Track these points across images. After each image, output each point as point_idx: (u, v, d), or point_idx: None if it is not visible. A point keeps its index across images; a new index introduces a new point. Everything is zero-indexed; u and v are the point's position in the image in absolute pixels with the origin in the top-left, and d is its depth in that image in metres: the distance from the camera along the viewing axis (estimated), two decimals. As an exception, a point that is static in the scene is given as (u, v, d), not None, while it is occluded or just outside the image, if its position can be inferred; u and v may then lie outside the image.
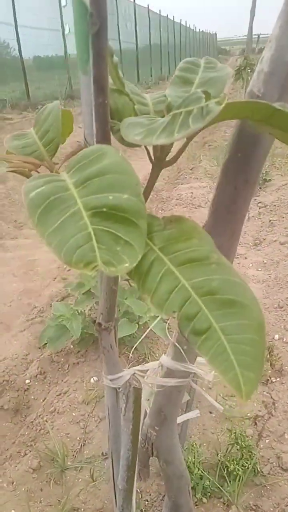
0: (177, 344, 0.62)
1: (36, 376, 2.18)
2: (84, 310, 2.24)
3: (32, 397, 2.08)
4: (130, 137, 0.37)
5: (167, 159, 0.46)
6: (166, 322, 2.35)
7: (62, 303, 2.22)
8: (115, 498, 0.59)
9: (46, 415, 1.87)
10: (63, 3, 12.88)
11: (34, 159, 0.47)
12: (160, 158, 0.45)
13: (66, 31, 13.37)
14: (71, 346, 2.29)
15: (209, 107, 0.33)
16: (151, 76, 19.14)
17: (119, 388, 0.51)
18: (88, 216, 0.33)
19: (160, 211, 4.08)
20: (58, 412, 1.87)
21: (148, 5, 18.75)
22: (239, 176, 0.52)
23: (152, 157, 0.47)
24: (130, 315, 2.07)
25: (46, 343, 2.34)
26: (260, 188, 4.46)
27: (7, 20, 10.79)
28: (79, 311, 2.15)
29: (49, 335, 2.09)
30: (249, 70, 4.91)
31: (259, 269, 2.96)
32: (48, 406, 1.93)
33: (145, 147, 0.45)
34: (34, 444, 1.74)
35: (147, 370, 0.60)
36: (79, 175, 0.36)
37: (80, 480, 1.58)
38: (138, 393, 0.51)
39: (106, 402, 0.55)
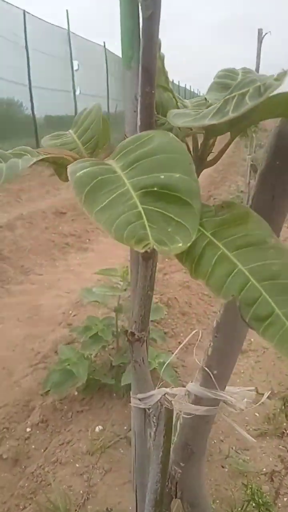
0: (206, 369, 0.58)
1: (38, 424, 2.07)
2: (91, 355, 2.17)
3: (33, 446, 1.97)
4: (180, 122, 0.36)
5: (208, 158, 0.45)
6: (176, 370, 2.26)
7: (69, 346, 2.16)
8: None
9: (48, 466, 1.75)
10: (75, 67, 13.67)
11: (74, 153, 0.45)
12: (202, 158, 0.44)
13: (77, 92, 14.07)
14: (75, 393, 2.20)
15: (268, 83, 0.31)
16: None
17: (149, 409, 0.47)
18: (137, 196, 0.31)
19: (166, 260, 4.08)
20: (60, 463, 1.75)
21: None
22: (277, 185, 0.50)
23: (192, 157, 0.45)
24: (138, 360, 2.00)
25: (49, 390, 2.26)
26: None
27: (22, 81, 11.39)
28: (86, 356, 2.08)
29: (54, 379, 2.01)
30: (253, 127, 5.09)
31: None
32: (50, 456, 1.81)
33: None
34: (35, 497, 1.62)
35: (175, 395, 0.55)
36: (125, 159, 0.35)
37: (83, 538, 1.46)
38: (170, 414, 0.46)
39: (133, 427, 0.50)
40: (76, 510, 1.56)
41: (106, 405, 2.06)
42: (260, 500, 1.49)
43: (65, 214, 5.89)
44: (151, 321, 2.62)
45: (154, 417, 0.46)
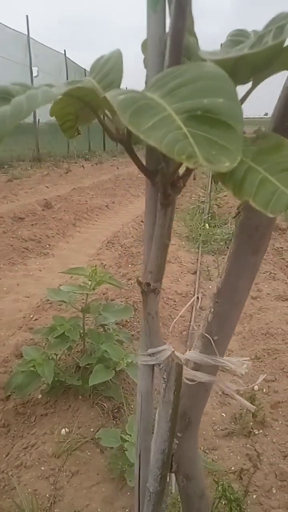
0: (207, 335, 0.56)
1: (-1, 429, 1.98)
2: (56, 356, 2.11)
3: (-6, 452, 1.87)
4: (214, 57, 0.34)
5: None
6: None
7: (33, 347, 2.08)
8: (139, 506, 0.50)
9: (11, 470, 1.67)
10: (34, 73, 13.54)
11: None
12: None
13: (37, 99, 13.92)
14: (39, 396, 2.12)
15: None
16: (117, 145, 20.01)
17: (159, 365, 0.45)
18: (181, 120, 0.30)
19: (130, 265, 4.06)
20: (25, 466, 1.67)
21: (115, 82, 19.98)
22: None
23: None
24: (107, 361, 1.96)
25: (10, 395, 2.16)
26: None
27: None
28: (51, 357, 2.02)
29: (17, 381, 1.93)
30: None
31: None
32: (13, 461, 1.73)
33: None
34: (-3, 504, 1.53)
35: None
36: (162, 89, 0.33)
37: None
38: (181, 370, 0.44)
39: (139, 387, 0.47)
40: (42, 514, 1.49)
41: (72, 407, 2.00)
42: (231, 496, 1.48)
43: (23, 219, 5.77)
44: (117, 324, 2.59)
45: (165, 372, 0.44)
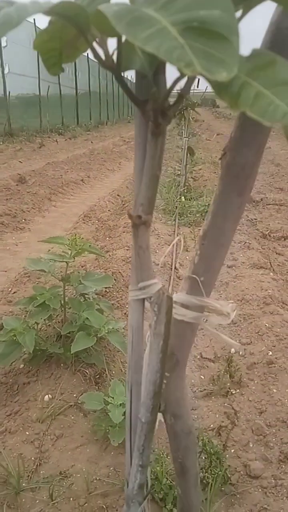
0: (194, 276, 0.59)
1: (-18, 398, 1.99)
2: (37, 325, 2.12)
3: (-22, 420, 1.89)
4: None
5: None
6: (124, 335, 2.28)
7: (14, 317, 2.08)
8: (130, 437, 0.53)
9: (-4, 436, 1.70)
10: (3, 43, 13.03)
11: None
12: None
13: (6, 71, 13.46)
14: (21, 366, 2.14)
15: None
16: (90, 119, 19.63)
17: (150, 299, 0.46)
18: (178, 31, 0.31)
19: (107, 238, 4.06)
20: (9, 432, 1.70)
21: (87, 54, 19.48)
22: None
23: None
24: (88, 329, 1.98)
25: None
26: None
27: None
28: (31, 326, 2.03)
29: (-1, 351, 1.93)
30: (190, 110, 5.19)
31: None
32: (-2, 427, 1.76)
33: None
34: (-16, 468, 1.56)
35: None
36: (155, 4, 0.33)
37: (37, 501, 1.43)
38: (171, 303, 0.46)
39: (130, 322, 0.49)
40: (29, 475, 1.53)
41: (54, 374, 2.03)
42: (211, 450, 1.55)
43: (-3, 194, 5.66)
44: (97, 294, 2.60)
45: (156, 305, 0.46)
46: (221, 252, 0.57)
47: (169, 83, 0.44)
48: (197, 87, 5.33)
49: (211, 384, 2.07)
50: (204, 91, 10.46)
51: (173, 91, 0.46)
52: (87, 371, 2.03)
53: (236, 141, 0.52)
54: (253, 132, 0.52)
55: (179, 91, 0.46)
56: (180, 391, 0.62)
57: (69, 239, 2.02)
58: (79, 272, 2.21)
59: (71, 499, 1.45)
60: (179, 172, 6.52)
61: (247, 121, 0.52)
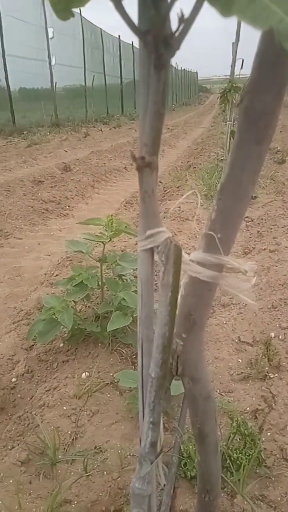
0: (211, 233, 0.57)
1: (23, 374, 2.07)
2: (75, 304, 2.16)
3: (19, 395, 1.97)
4: None
5: None
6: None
7: (53, 296, 2.13)
8: (143, 394, 0.52)
9: (35, 410, 1.75)
10: (50, 35, 13.24)
11: None
12: None
13: (53, 62, 13.69)
14: (61, 345, 2.20)
15: None
16: (135, 108, 19.61)
17: (157, 247, 0.45)
18: None
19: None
20: (47, 406, 1.75)
21: (132, 42, 19.43)
22: None
23: None
24: (124, 309, 2.00)
25: (34, 342, 2.24)
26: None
27: (-5, 49, 10.97)
28: (70, 305, 2.06)
29: (39, 328, 1.99)
30: (234, 93, 5.05)
31: (250, 275, 2.94)
32: (37, 402, 1.81)
33: None
34: (23, 439, 1.62)
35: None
36: None
37: (72, 473, 1.47)
38: (180, 252, 0.45)
39: (139, 274, 0.49)
40: (65, 448, 1.57)
41: (92, 353, 2.06)
42: (245, 431, 1.52)
43: (43, 182, 5.79)
44: (134, 277, 2.61)
45: (163, 255, 0.45)
46: (239, 207, 0.55)
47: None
48: (241, 68, 5.19)
49: (248, 368, 2.03)
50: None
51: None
52: (124, 351, 2.05)
53: (253, 83, 0.49)
54: (272, 73, 0.49)
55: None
56: (198, 353, 0.61)
57: (106, 220, 2.03)
58: (116, 253, 2.22)
59: (105, 472, 1.47)
60: (222, 158, 6.40)
61: (266, 59, 0.49)
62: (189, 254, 0.61)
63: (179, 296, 0.57)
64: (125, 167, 7.15)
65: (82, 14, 14.97)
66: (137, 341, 0.52)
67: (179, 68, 36.33)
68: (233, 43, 5.23)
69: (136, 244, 3.10)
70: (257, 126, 0.51)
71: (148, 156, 0.42)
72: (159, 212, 0.46)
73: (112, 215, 2.07)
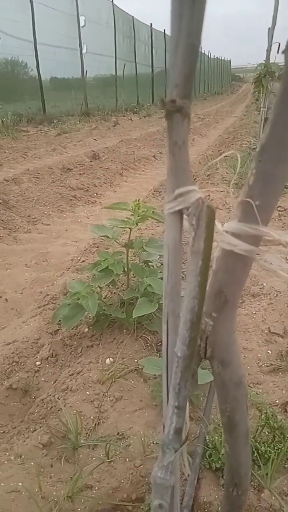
0: (248, 200, 0.51)
1: (48, 358, 2.05)
2: (101, 290, 2.12)
3: (43, 379, 1.95)
4: None
5: None
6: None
7: (78, 281, 2.10)
8: (167, 375, 0.47)
9: (58, 394, 1.74)
10: (81, 23, 13.20)
11: None
12: None
13: (84, 51, 13.65)
14: (85, 330, 2.17)
15: None
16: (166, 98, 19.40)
17: (187, 210, 0.40)
18: None
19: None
20: (71, 390, 1.73)
21: (164, 30, 19.17)
22: None
23: None
24: (150, 296, 1.95)
25: (59, 327, 2.23)
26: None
27: (26, 37, 11.02)
28: (95, 291, 2.03)
29: (64, 313, 1.97)
30: (269, 78, 4.88)
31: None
32: (60, 386, 1.79)
33: None
34: (45, 422, 1.60)
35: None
36: None
37: (94, 458, 1.44)
38: (213, 215, 0.39)
39: (166, 241, 0.43)
40: (87, 433, 1.55)
41: (116, 339, 2.03)
42: (275, 425, 1.46)
43: (71, 170, 5.78)
44: (161, 264, 2.55)
45: (194, 218, 0.39)
46: (282, 170, 0.48)
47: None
48: (278, 52, 5.00)
49: (278, 360, 1.95)
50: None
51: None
52: (149, 338, 2.01)
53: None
54: None
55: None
56: (229, 335, 0.55)
57: (132, 205, 1.98)
58: (142, 239, 2.17)
59: (127, 459, 1.44)
60: (254, 147, 6.23)
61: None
62: (222, 224, 0.55)
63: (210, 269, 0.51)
64: (154, 156, 7.07)
65: (114, 1, 14.84)
66: (162, 316, 0.46)
67: (212, 56, 35.68)
68: (269, 28, 5.06)
69: (164, 231, 3.06)
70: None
71: (179, 99, 0.36)
72: (190, 168, 0.40)
73: (138, 200, 2.01)
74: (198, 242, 0.39)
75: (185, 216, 0.42)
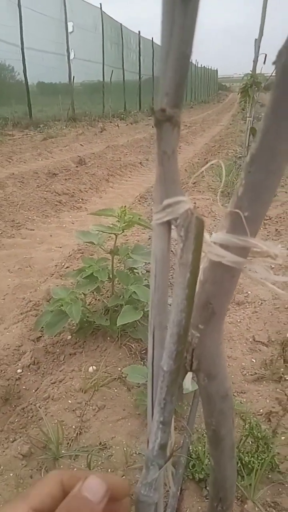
0: (237, 211, 0.49)
1: (29, 366, 2.01)
2: (85, 297, 2.10)
3: (24, 387, 1.91)
4: None
5: None
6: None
7: (62, 287, 2.07)
8: (152, 389, 0.46)
9: (39, 402, 1.70)
10: (70, 29, 13.22)
11: None
12: None
13: (72, 56, 13.66)
14: (68, 337, 2.14)
15: None
16: (153, 105, 19.51)
17: (175, 221, 0.39)
18: None
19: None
20: (52, 399, 1.70)
21: (152, 38, 19.31)
22: None
23: None
24: (135, 303, 1.93)
25: (41, 334, 2.19)
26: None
27: (14, 41, 10.98)
28: (79, 298, 2.01)
29: (46, 320, 1.93)
30: (255, 88, 4.94)
31: (266, 273, 2.85)
32: (41, 394, 1.76)
33: None
34: (26, 431, 1.56)
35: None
36: None
37: (75, 469, 1.41)
38: (202, 226, 0.38)
39: (153, 251, 0.42)
40: (68, 443, 1.51)
41: (100, 347, 2.00)
42: (258, 434, 1.45)
43: (57, 175, 5.75)
44: (146, 271, 2.54)
45: (183, 229, 0.38)
46: (271, 181, 0.47)
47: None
48: (264, 63, 5.07)
49: (262, 368, 1.95)
50: (271, 74, 10.01)
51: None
52: (133, 346, 1.99)
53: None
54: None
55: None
56: (216, 347, 0.54)
57: (118, 211, 1.97)
58: (128, 246, 2.15)
59: (109, 470, 1.41)
60: (240, 155, 6.29)
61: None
62: (210, 234, 0.54)
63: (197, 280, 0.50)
64: (140, 162, 7.07)
65: (102, 8, 14.91)
66: (148, 328, 0.45)
67: (199, 66, 36.05)
68: (255, 39, 5.13)
69: (150, 238, 3.05)
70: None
71: (169, 108, 0.35)
72: (179, 178, 0.39)
73: (125, 206, 2.00)
74: (186, 254, 0.38)
75: (173, 227, 0.40)
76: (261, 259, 0.55)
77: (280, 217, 3.93)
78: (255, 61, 4.90)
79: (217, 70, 55.32)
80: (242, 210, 0.49)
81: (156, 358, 0.45)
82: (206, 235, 0.51)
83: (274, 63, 0.49)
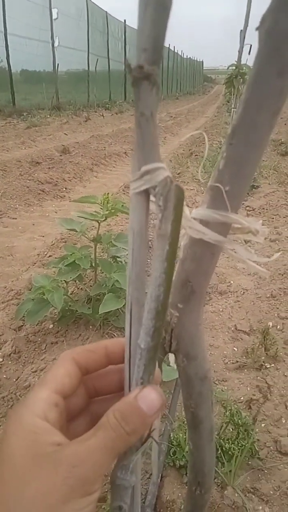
0: (218, 185, 0.48)
1: (10, 355, 1.99)
2: (67, 285, 2.07)
3: (4, 376, 1.89)
4: None
5: None
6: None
7: (44, 275, 2.05)
8: (130, 368, 0.44)
9: (20, 391, 1.68)
10: (54, 16, 12.99)
11: None
12: None
13: (56, 44, 13.44)
14: (50, 326, 2.12)
15: None
16: (138, 96, 19.36)
17: (154, 189, 0.37)
18: None
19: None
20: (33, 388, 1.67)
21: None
22: None
23: None
24: (118, 292, 1.92)
25: (23, 323, 2.16)
26: (248, 194, 4.42)
27: (-3, 27, 10.73)
28: (61, 285, 1.98)
29: (28, 308, 1.91)
30: (240, 79, 4.92)
31: (249, 263, 2.86)
32: (22, 383, 1.74)
33: None
34: (5, 421, 1.54)
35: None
36: None
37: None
38: (182, 195, 0.36)
39: (130, 223, 0.40)
40: (49, 431, 1.50)
41: (82, 336, 1.99)
42: (239, 421, 1.45)
43: (40, 163, 5.67)
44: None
45: (161, 198, 0.36)
46: (253, 154, 0.46)
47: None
48: (249, 53, 5.04)
49: (244, 357, 1.96)
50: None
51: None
52: (115, 334, 1.98)
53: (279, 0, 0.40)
54: None
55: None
56: (195, 327, 0.53)
57: (101, 198, 1.94)
58: (111, 234, 2.13)
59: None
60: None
61: None
62: (191, 211, 0.53)
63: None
64: (125, 152, 7.02)
65: (87, -4, 14.68)
66: (126, 304, 0.43)
67: (185, 57, 35.87)
68: (241, 30, 5.10)
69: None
70: (280, 53, 0.41)
71: (147, 64, 0.33)
72: (158, 144, 0.37)
73: (108, 193, 1.98)
74: (165, 224, 0.37)
75: (152, 198, 0.39)
76: (242, 236, 0.54)
77: (263, 208, 3.94)
78: (240, 51, 4.87)
79: (202, 62, 55.20)
80: (223, 184, 0.48)
81: (134, 336, 0.44)
82: (186, 209, 0.50)
83: (257, 29, 0.47)
